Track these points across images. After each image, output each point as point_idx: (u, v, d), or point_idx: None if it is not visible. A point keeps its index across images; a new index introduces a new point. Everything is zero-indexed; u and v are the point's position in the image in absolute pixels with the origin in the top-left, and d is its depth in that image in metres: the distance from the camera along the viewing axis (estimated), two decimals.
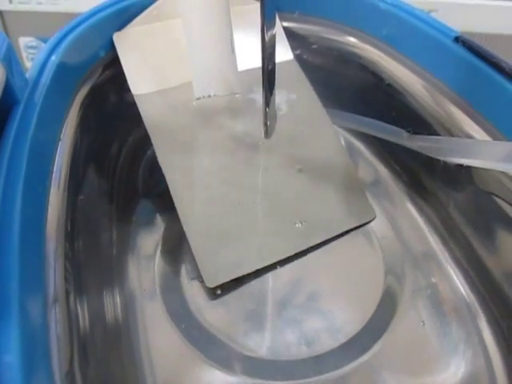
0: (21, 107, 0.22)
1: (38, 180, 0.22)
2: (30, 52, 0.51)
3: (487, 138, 0.27)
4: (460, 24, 0.48)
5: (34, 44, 0.50)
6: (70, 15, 0.47)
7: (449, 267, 0.30)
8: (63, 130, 0.26)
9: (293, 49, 0.35)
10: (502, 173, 0.26)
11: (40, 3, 0.47)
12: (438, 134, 0.30)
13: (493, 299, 0.27)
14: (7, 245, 0.17)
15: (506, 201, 0.26)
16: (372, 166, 0.36)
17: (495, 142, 0.26)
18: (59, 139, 0.25)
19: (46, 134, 0.23)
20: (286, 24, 0.35)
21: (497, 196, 0.26)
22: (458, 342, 0.27)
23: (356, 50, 0.35)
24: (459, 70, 0.28)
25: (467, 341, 0.27)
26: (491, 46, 0.49)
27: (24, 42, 0.50)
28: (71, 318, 0.20)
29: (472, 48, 0.26)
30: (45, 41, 0.51)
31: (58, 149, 0.24)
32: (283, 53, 0.35)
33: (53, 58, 0.26)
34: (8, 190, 0.19)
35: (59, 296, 0.20)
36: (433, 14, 0.49)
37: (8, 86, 0.21)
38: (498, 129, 0.26)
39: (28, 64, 0.52)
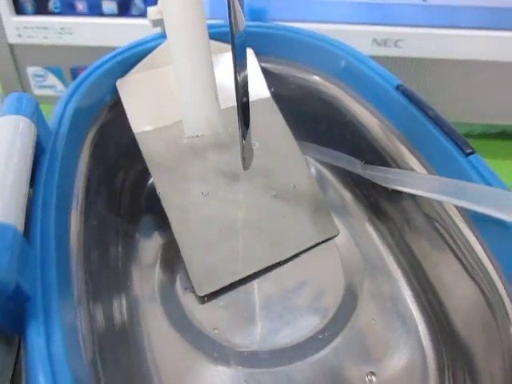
0: (47, 156, 0.27)
1: (63, 209, 0.26)
2: (38, 80, 0.55)
3: (424, 171, 0.31)
4: (426, 51, 0.52)
5: (41, 73, 0.55)
6: (72, 47, 0.52)
7: (398, 280, 0.35)
8: (78, 167, 0.30)
9: (268, 86, 0.39)
10: (436, 201, 0.31)
11: (46, 38, 0.52)
12: (389, 166, 0.34)
13: (431, 308, 0.33)
14: (48, 262, 0.22)
15: (440, 224, 0.31)
16: (337, 191, 0.41)
17: (429, 175, 0.31)
18: (75, 176, 0.29)
19: (66, 173, 0.28)
20: (263, 64, 0.39)
21: (434, 220, 0.31)
22: (400, 339, 0.32)
23: (322, 88, 0.39)
24: (401, 114, 0.33)
25: (408, 338, 0.32)
26: (460, 71, 0.51)
27: (32, 71, 0.54)
28: (90, 320, 0.25)
29: (409, 96, 0.31)
30: (51, 69, 0.56)
31: (75, 183, 0.29)
32: (261, 91, 0.39)
33: (69, 107, 0.31)
34: (44, 219, 0.24)
35: (82, 302, 0.24)
36: (400, 43, 0.53)
37: (38, 140, 0.26)
38: (431, 165, 0.31)
39: (36, 91, 0.56)
